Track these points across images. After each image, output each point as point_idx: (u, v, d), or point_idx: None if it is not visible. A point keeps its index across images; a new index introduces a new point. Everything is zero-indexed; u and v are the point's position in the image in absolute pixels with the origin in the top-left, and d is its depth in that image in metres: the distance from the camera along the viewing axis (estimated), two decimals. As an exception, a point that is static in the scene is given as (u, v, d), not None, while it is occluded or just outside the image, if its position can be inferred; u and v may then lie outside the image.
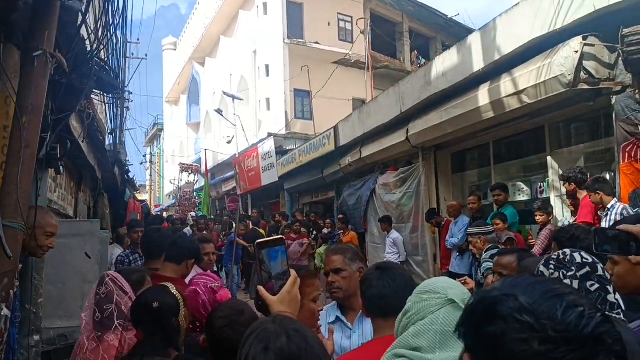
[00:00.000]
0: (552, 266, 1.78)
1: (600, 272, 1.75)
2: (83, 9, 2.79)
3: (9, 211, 2.41)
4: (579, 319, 0.77)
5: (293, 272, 1.62)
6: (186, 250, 3.59)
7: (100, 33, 3.31)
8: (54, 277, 4.11)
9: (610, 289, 1.74)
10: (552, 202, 6.84)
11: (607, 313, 1.69)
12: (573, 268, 1.74)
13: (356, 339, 2.48)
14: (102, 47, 3.34)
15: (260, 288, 1.57)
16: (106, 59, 3.96)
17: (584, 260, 1.77)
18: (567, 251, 1.81)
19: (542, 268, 1.81)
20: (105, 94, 4.80)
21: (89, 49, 3.37)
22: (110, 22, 3.48)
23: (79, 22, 2.90)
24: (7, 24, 2.51)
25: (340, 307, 2.65)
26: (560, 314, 0.77)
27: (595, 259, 1.80)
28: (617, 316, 1.70)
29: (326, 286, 2.69)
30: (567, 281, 1.72)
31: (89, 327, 2.67)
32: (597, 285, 1.71)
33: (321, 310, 2.24)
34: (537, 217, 6.22)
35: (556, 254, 1.82)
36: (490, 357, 0.80)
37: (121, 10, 3.88)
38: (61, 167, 3.98)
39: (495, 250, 4.76)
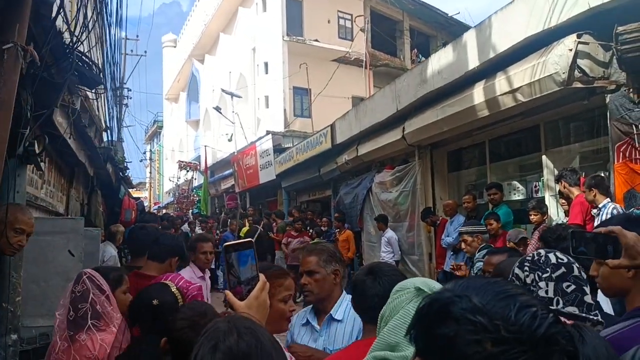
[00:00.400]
0: (526, 268, 1.73)
1: (576, 272, 1.69)
2: (58, 2, 2.73)
3: (-24, 208, 2.35)
4: (532, 319, 0.76)
5: (262, 277, 1.56)
6: (169, 248, 3.54)
7: (79, 26, 3.24)
8: (36, 275, 4.04)
9: (587, 289, 1.69)
10: (546, 202, 6.78)
11: (582, 313, 1.64)
12: (548, 269, 1.69)
13: (321, 343, 2.42)
14: (80, 41, 3.27)
15: (228, 293, 1.51)
16: (88, 53, 3.90)
17: (559, 260, 1.72)
18: (542, 252, 1.76)
19: (516, 270, 1.76)
20: (89, 89, 4.72)
21: (69, 41, 3.31)
22: (90, 15, 3.41)
23: (53, 15, 2.83)
24: (-23, 16, 2.45)
25: (314, 308, 2.57)
26: (513, 315, 0.76)
27: (571, 259, 1.75)
28: (594, 317, 1.65)
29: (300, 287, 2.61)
30: (543, 283, 1.67)
31: (62, 326, 2.62)
32: (573, 287, 1.66)
33: (293, 310, 2.16)
34: (532, 217, 6.17)
35: (530, 255, 1.77)
36: (439, 356, 0.78)
37: (116, 5, 3.83)
38: (43, 164, 3.92)
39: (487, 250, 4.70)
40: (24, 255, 3.62)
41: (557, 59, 5.52)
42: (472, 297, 0.79)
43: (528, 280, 1.71)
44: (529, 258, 1.76)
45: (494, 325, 0.75)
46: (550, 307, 1.62)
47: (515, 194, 7.86)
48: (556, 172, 6.69)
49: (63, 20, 3.14)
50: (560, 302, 1.65)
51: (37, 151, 3.44)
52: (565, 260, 1.73)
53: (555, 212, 6.84)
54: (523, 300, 0.79)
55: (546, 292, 1.66)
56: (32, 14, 2.73)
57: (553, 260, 1.72)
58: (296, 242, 12.41)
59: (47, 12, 2.82)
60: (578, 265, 1.73)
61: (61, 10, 2.83)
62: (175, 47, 39.68)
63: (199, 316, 1.94)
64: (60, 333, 2.60)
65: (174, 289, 2.50)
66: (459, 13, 23.57)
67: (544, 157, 7.10)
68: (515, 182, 7.95)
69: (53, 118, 4.16)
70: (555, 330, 0.76)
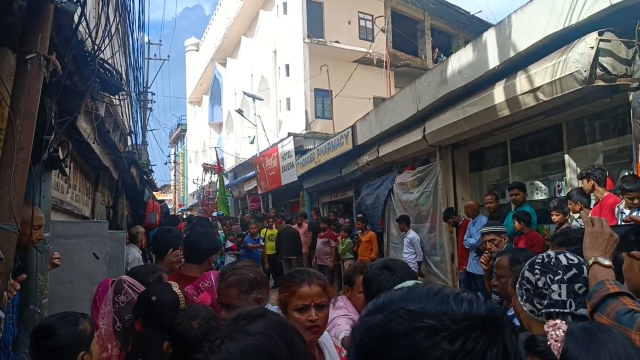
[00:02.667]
0: (537, 270, 1.72)
1: (585, 273, 1.69)
2: (78, 12, 2.81)
3: (2, 213, 2.43)
4: (469, 304, 0.75)
5: None
6: (205, 251, 3.56)
7: (100, 35, 3.33)
8: (62, 277, 4.16)
9: None
10: (569, 201, 6.69)
11: None
12: (560, 272, 1.68)
13: None
14: (101, 50, 3.36)
15: None
16: (109, 60, 3.99)
17: (570, 262, 1.71)
18: (552, 253, 1.76)
19: (527, 273, 1.75)
20: (110, 95, 4.82)
21: (90, 50, 3.40)
22: (112, 21, 3.49)
23: (74, 25, 2.92)
24: (2, 26, 2.53)
25: None
26: (453, 307, 0.74)
27: (581, 259, 1.74)
28: None
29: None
30: (555, 286, 1.66)
31: (111, 337, 2.66)
32: (584, 288, 1.66)
33: (313, 319, 2.03)
34: (553, 217, 6.10)
35: (540, 257, 1.76)
36: None
37: (138, 11, 3.92)
38: (67, 169, 4.02)
39: None
40: (50, 258, 3.72)
41: (578, 57, 5.45)
42: (406, 306, 0.76)
43: (540, 284, 1.70)
44: (539, 260, 1.75)
45: (441, 322, 0.72)
46: (564, 309, 1.63)
47: (537, 194, 7.77)
48: (579, 171, 6.61)
49: (85, 29, 3.22)
50: (573, 304, 1.64)
51: (62, 157, 3.54)
52: (576, 261, 1.73)
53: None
54: (449, 291, 0.78)
55: (559, 294, 1.65)
56: (54, 24, 2.82)
57: (564, 262, 1.71)
58: (320, 243, 12.50)
59: (68, 21, 2.90)
60: (587, 265, 1.73)
61: (82, 20, 2.91)
62: (197, 50, 40.11)
63: (195, 312, 2.02)
64: (111, 343, 2.65)
65: (176, 289, 2.55)
66: (480, 11, 23.35)
67: (566, 156, 7.01)
68: (537, 182, 7.85)
69: (77, 124, 4.27)
70: (491, 306, 0.75)
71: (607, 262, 1.71)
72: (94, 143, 5.18)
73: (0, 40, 2.53)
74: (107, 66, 3.84)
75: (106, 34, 3.41)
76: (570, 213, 5.98)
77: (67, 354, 2.00)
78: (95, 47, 3.23)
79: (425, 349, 0.71)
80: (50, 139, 3.40)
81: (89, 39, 3.32)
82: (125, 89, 6.07)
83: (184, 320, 1.98)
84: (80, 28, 3.17)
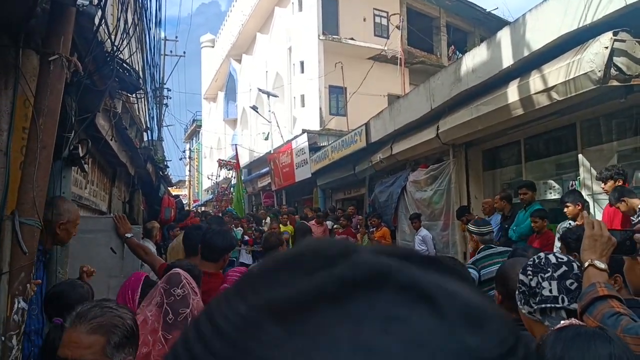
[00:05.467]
0: (529, 272, 1.79)
1: (576, 270, 1.76)
2: (99, 14, 2.89)
3: (25, 209, 2.53)
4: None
5: None
6: (221, 250, 3.64)
7: (119, 35, 3.42)
8: (81, 271, 4.26)
9: None
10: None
11: None
12: (549, 269, 1.75)
13: None
14: (119, 50, 3.45)
15: None
16: (128, 59, 4.09)
17: (559, 260, 1.78)
18: (542, 254, 1.83)
19: (521, 277, 1.83)
20: (129, 94, 4.93)
21: (109, 50, 3.49)
22: (131, 22, 3.58)
23: (95, 27, 3.00)
24: (26, 29, 2.63)
25: None
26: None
27: (571, 258, 1.81)
28: None
29: None
30: (546, 283, 1.73)
31: (155, 327, 2.69)
32: (576, 284, 1.73)
33: None
34: (565, 209, 5.79)
35: (532, 259, 1.83)
36: None
37: (155, 8, 4.01)
38: (86, 165, 4.13)
39: (488, 251, 4.60)
40: (70, 251, 3.84)
41: (592, 57, 5.45)
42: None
43: (533, 284, 1.77)
44: (530, 262, 1.82)
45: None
46: (556, 305, 1.69)
47: (551, 193, 7.76)
48: (593, 171, 6.59)
49: (104, 31, 3.31)
50: (565, 299, 1.71)
51: (82, 154, 3.64)
52: (565, 259, 1.79)
53: (593, 213, 6.69)
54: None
55: (550, 290, 1.72)
56: (75, 26, 2.91)
57: (553, 260, 1.78)
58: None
59: (89, 23, 2.99)
60: (578, 264, 1.79)
61: (102, 22, 3.00)
62: (213, 47, 40.27)
63: None
64: (153, 334, 2.68)
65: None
66: (497, 8, 23.06)
67: (580, 155, 7.00)
68: (551, 181, 7.84)
69: (95, 122, 4.37)
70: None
71: (603, 266, 1.77)
72: (111, 140, 5.29)
73: (24, 42, 2.63)
74: (126, 66, 3.94)
75: (124, 35, 3.49)
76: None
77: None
78: (115, 47, 3.32)
79: None
80: (71, 136, 3.51)
81: (109, 40, 3.41)
82: (143, 87, 6.16)
83: None
84: (100, 29, 3.26)
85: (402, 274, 0.33)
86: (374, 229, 11.46)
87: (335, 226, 13.14)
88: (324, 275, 0.32)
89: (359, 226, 12.82)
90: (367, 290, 0.31)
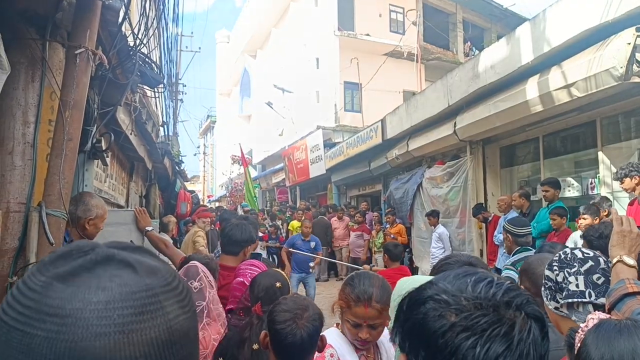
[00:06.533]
0: (555, 267, 1.77)
1: (603, 265, 1.73)
2: (124, 8, 2.91)
3: (52, 200, 2.56)
4: (488, 287, 0.82)
5: None
6: (242, 242, 3.64)
7: (142, 30, 3.43)
8: (102, 263, 4.30)
9: None
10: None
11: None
12: (575, 264, 1.73)
13: None
14: (143, 44, 3.47)
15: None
16: (150, 54, 4.11)
17: (586, 255, 1.76)
18: (567, 250, 1.81)
19: (547, 272, 1.81)
20: (150, 88, 4.95)
21: (132, 44, 3.51)
22: (152, 19, 3.60)
23: (119, 20, 3.02)
24: (53, 23, 2.65)
25: None
26: (470, 287, 0.83)
27: (597, 253, 1.79)
28: None
29: None
30: (572, 277, 1.71)
31: None
32: (603, 279, 1.70)
33: None
34: (581, 221, 5.63)
35: (557, 255, 1.81)
36: (416, 343, 0.83)
37: (172, 5, 4.03)
38: (107, 159, 4.16)
39: (526, 253, 4.49)
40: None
41: (614, 53, 5.37)
42: (439, 283, 0.86)
43: (559, 279, 1.75)
44: (556, 258, 1.80)
45: (453, 298, 0.81)
46: (583, 299, 1.67)
47: (569, 191, 7.67)
48: (613, 168, 6.51)
49: (128, 24, 3.33)
50: (592, 294, 1.69)
51: (104, 147, 3.67)
52: (592, 254, 1.77)
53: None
54: (479, 275, 0.86)
55: (577, 285, 1.70)
56: (100, 20, 2.93)
57: (579, 255, 1.76)
58: (354, 237, 12.65)
59: (113, 17, 3.01)
60: (604, 259, 1.77)
61: (127, 15, 3.02)
62: (228, 42, 40.37)
63: (301, 310, 1.94)
64: None
65: (284, 276, 2.59)
66: (514, 4, 22.76)
67: (600, 153, 6.91)
68: (569, 179, 7.75)
69: (116, 115, 4.41)
70: (514, 294, 0.82)
71: (632, 262, 1.75)
72: (131, 134, 5.33)
73: (50, 36, 2.65)
74: (148, 60, 3.96)
75: (148, 28, 3.51)
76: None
77: None
78: (138, 40, 3.34)
79: (433, 317, 0.81)
80: (93, 130, 3.54)
81: (132, 33, 3.43)
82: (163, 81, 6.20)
83: (289, 320, 1.91)
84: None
85: (119, 255, 0.65)
86: (389, 225, 11.48)
87: (350, 223, 13.20)
88: (83, 258, 0.64)
89: (373, 222, 12.85)
90: (103, 264, 0.63)
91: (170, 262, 4.18)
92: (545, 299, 1.82)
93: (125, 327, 0.59)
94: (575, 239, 5.52)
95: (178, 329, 0.65)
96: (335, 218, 13.69)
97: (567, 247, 2.91)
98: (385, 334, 2.17)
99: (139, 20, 3.43)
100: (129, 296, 0.61)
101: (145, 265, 0.66)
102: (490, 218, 8.58)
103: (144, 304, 0.62)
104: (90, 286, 0.60)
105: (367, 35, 20.89)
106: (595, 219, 5.50)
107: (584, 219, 5.61)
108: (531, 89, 6.85)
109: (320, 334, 1.96)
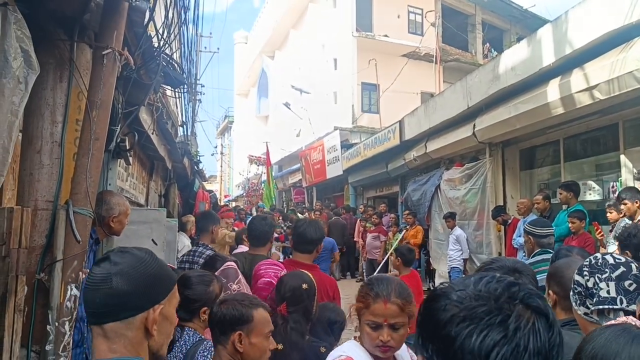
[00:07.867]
0: (585, 272, 1.76)
1: (635, 271, 1.71)
2: (149, 9, 2.95)
3: (79, 199, 2.60)
4: (490, 282, 0.87)
5: None
6: (317, 241, 3.66)
7: (166, 31, 3.48)
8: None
9: None
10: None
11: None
12: (607, 270, 1.71)
13: None
14: (167, 44, 3.51)
15: None
16: (172, 55, 4.15)
17: (617, 260, 1.74)
18: (598, 255, 1.79)
19: (576, 277, 1.79)
20: (172, 89, 5.00)
21: (156, 45, 3.55)
22: (177, 20, 3.64)
23: (145, 21, 3.06)
24: (80, 24, 2.69)
25: None
26: (474, 283, 0.89)
27: (629, 259, 1.76)
28: None
29: None
30: (603, 284, 1.69)
31: None
32: (635, 285, 1.68)
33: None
34: (608, 214, 5.78)
35: (587, 260, 1.79)
36: (426, 337, 0.89)
37: (193, 6, 4.06)
38: (130, 158, 4.21)
39: (545, 256, 4.44)
40: (114, 242, 3.92)
41: (638, 55, 5.31)
42: (451, 283, 0.93)
43: (589, 285, 1.73)
44: (587, 263, 1.78)
45: (457, 293, 0.87)
46: (614, 306, 1.65)
47: (590, 194, 7.58)
48: (635, 171, 6.43)
49: (154, 25, 3.37)
50: (624, 301, 1.66)
51: (128, 147, 3.72)
52: (623, 260, 1.75)
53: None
54: (489, 276, 0.90)
55: (608, 292, 1.68)
56: (126, 20, 2.97)
57: (611, 261, 1.74)
58: (371, 238, 12.63)
59: (139, 18, 3.05)
60: (637, 265, 1.74)
61: (153, 15, 3.05)
62: (246, 43, 40.53)
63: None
64: None
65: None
66: (534, 5, 22.56)
67: (622, 156, 6.82)
68: (590, 182, 7.66)
69: (139, 115, 4.46)
70: (516, 288, 0.86)
71: None
72: (152, 134, 5.39)
73: (78, 36, 2.69)
74: (171, 61, 4.01)
75: (173, 29, 3.55)
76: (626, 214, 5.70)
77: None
78: (164, 41, 3.38)
79: (437, 311, 0.88)
80: (117, 130, 3.59)
81: (157, 34, 3.47)
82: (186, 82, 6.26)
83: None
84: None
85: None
86: (409, 226, 11.42)
87: (367, 225, 13.19)
88: None
89: (390, 224, 12.82)
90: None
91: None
92: (574, 304, 1.80)
93: None
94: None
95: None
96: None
97: (578, 250, 2.88)
98: (404, 348, 2.10)
99: (163, 22, 3.47)
100: None
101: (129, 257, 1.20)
102: (509, 221, 8.51)
103: None
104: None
105: (385, 36, 20.85)
106: (636, 202, 5.31)
107: (624, 204, 5.42)
108: (552, 91, 6.79)
109: None
